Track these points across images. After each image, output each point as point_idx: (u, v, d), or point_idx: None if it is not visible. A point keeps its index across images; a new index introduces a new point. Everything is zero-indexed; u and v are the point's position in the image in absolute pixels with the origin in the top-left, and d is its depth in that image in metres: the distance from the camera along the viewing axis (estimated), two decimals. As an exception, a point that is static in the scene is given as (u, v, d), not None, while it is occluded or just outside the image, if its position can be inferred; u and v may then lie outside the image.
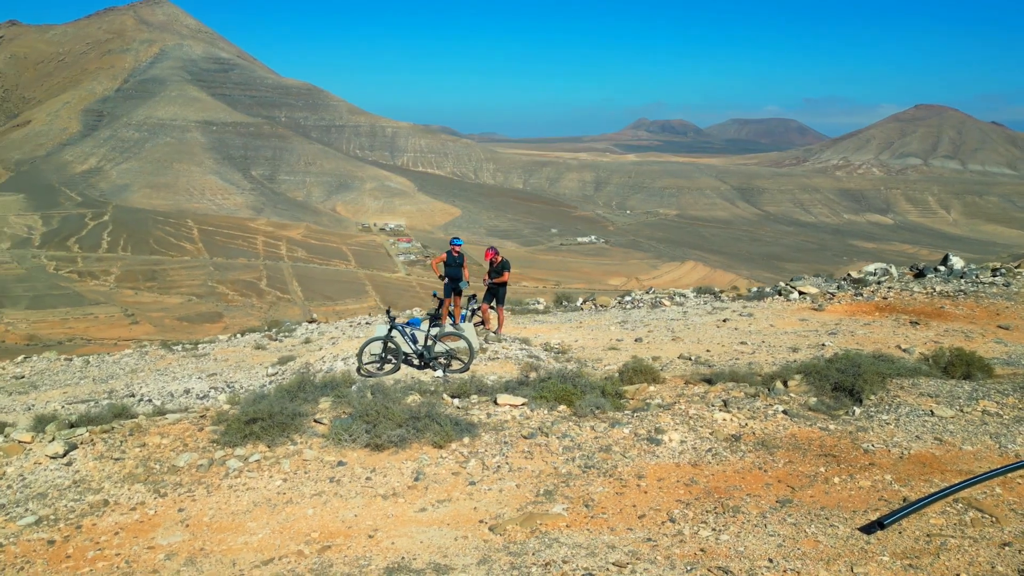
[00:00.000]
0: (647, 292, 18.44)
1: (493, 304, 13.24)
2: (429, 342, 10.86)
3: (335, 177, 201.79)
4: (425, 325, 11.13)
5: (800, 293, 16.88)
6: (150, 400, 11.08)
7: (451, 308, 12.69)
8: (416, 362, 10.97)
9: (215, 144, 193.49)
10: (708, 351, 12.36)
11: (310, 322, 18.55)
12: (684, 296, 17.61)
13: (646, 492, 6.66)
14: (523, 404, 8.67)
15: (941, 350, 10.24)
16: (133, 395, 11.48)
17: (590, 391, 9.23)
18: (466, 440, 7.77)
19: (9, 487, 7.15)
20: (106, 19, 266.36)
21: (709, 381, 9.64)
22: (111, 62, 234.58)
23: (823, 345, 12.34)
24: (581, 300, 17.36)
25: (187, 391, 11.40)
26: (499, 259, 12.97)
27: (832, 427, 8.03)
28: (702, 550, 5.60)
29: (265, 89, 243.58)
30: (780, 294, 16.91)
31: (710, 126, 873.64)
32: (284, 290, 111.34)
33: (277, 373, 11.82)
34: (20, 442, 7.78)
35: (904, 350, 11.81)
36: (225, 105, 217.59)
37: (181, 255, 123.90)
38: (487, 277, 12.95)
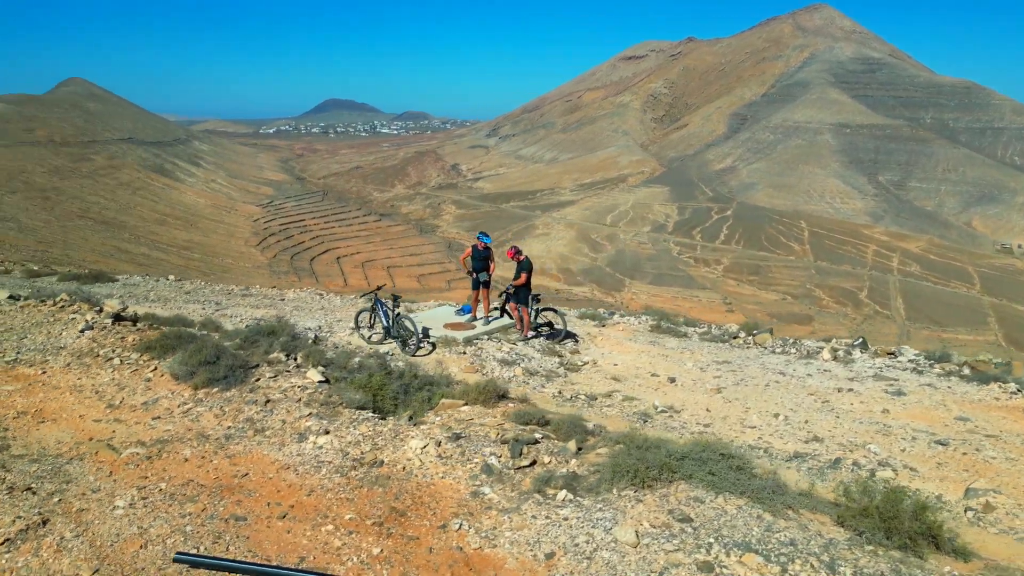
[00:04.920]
0: (856, 343, 13.78)
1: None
2: (396, 321, 11.47)
3: (977, 187, 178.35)
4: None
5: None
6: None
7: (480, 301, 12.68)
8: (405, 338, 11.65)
9: (844, 147, 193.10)
10: (708, 410, 9.63)
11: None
12: (895, 355, 12.76)
13: (198, 466, 6.87)
14: (320, 382, 8.96)
15: (896, 504, 6.34)
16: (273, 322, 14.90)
17: (412, 392, 8.91)
18: (231, 394, 8.71)
19: (44, 339, 11.04)
20: (766, 29, 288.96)
21: (541, 423, 8.10)
22: (763, 69, 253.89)
23: (867, 447, 8.34)
24: (753, 333, 14.20)
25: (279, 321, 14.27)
26: (520, 259, 12.38)
27: (510, 494, 6.41)
28: (81, 510, 5.95)
29: (913, 89, 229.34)
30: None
31: None
32: (884, 305, 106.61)
33: (340, 320, 13.68)
34: (84, 317, 11.71)
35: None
36: (863, 107, 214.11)
37: (787, 254, 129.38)
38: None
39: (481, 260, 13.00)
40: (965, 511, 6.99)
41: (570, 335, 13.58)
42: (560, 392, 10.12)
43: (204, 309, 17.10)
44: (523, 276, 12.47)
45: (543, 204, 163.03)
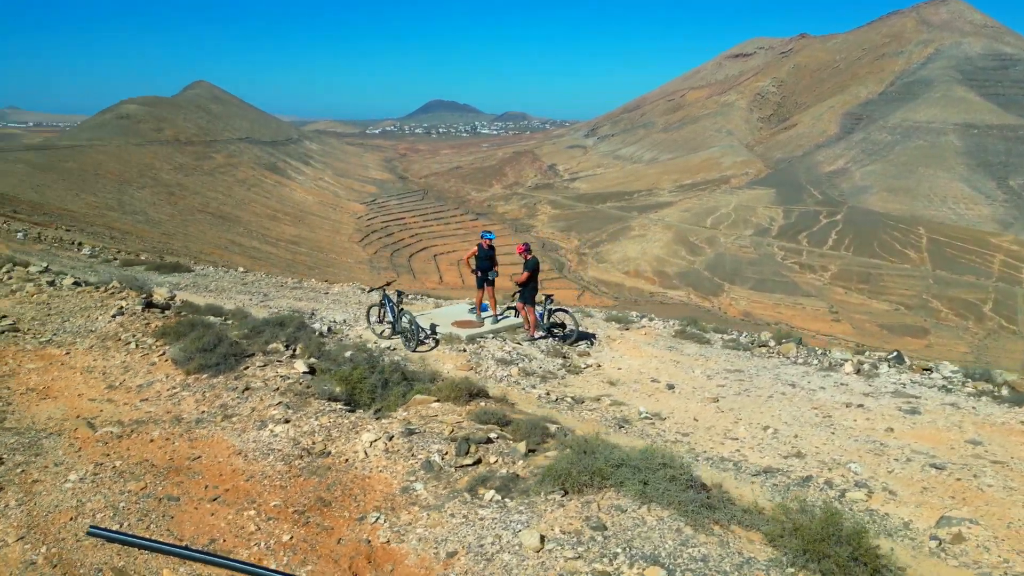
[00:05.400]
0: (889, 356, 12.85)
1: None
2: (399, 316, 11.70)
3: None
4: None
5: None
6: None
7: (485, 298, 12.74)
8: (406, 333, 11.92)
9: (971, 148, 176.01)
10: (696, 420, 9.33)
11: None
12: (931, 371, 11.89)
13: (160, 447, 7.29)
14: (304, 372, 9.27)
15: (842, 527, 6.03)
16: (305, 314, 15.46)
17: (390, 386, 9.11)
18: (217, 380, 9.16)
19: (83, 322, 11.87)
20: (886, 23, 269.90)
21: (500, 423, 8.11)
22: (881, 66, 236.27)
23: (848, 466, 7.89)
24: (782, 342, 13.54)
25: (313, 314, 14.77)
26: (527, 256, 12.36)
27: (441, 491, 6.51)
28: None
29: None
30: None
31: None
32: (1011, 319, 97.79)
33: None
34: (124, 303, 12.53)
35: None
36: (994, 106, 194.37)
37: (901, 262, 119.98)
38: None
39: (487, 259, 13.08)
40: (930, 540, 6.55)
41: (585, 337, 13.44)
42: (548, 393, 10.07)
43: (251, 299, 17.93)
44: (525, 274, 12.47)
45: (640, 205, 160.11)
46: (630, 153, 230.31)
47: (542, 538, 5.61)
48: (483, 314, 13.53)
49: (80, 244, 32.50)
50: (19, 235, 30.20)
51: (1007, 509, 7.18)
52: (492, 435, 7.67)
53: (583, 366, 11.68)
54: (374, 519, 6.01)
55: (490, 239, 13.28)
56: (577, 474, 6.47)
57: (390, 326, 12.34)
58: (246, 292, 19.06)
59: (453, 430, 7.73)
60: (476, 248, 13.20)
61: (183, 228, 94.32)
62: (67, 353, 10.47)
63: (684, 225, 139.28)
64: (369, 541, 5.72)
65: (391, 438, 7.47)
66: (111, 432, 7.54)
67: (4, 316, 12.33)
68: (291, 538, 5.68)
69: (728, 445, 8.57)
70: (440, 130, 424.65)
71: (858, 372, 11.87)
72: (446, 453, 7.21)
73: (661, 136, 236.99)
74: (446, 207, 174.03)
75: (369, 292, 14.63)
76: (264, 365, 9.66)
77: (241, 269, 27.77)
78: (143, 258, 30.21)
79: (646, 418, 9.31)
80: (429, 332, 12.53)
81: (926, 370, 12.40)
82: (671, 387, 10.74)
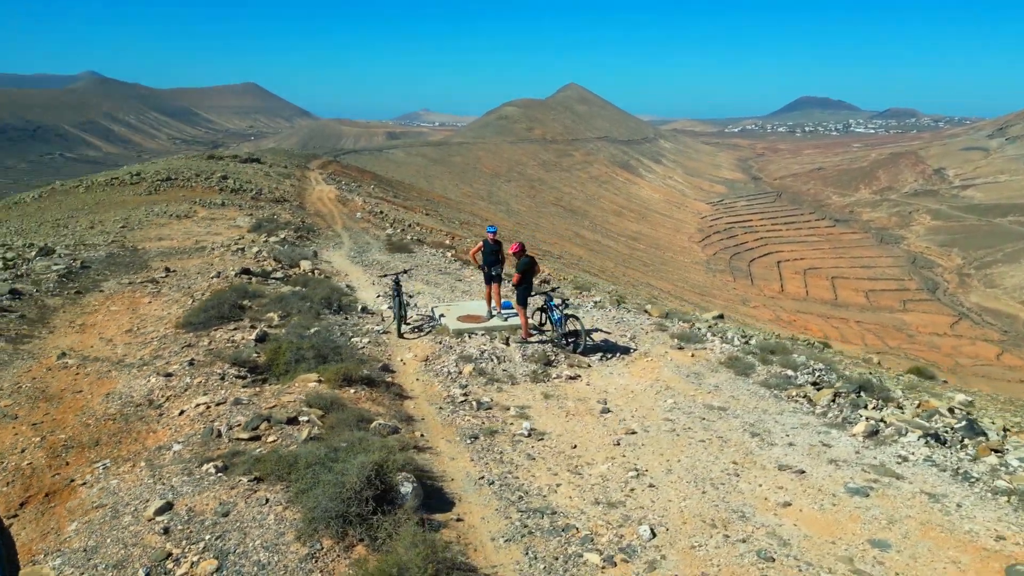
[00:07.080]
0: (959, 423, 9.13)
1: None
2: (398, 302, 12.33)
3: None
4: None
5: None
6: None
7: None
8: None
9: None
10: (574, 447, 8.46)
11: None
12: (1001, 453, 8.47)
13: (73, 379, 9.23)
14: (255, 340, 10.56)
15: None
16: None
17: (302, 362, 9.99)
18: (186, 336, 10.94)
19: (199, 282, 14.72)
20: None
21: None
22: None
23: (640, 530, 6.61)
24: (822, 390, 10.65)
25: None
26: (520, 256, 11.85)
27: (188, 457, 7.43)
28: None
29: None
30: None
31: None
32: None
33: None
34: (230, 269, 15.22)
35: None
36: None
37: None
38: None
39: (492, 254, 12.93)
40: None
41: (606, 348, 12.56)
42: (467, 395, 9.92)
43: (386, 278, 19.81)
44: (516, 275, 12.12)
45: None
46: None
47: (162, 509, 6.11)
48: (494, 310, 13.48)
49: (417, 224, 38.30)
50: (358, 215, 36.71)
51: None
52: (303, 418, 8.15)
53: (554, 376, 11.11)
54: (100, 464, 7.05)
55: (493, 233, 13.23)
56: (274, 464, 6.75)
57: (392, 310, 13.16)
58: (393, 272, 20.95)
59: (276, 406, 8.39)
60: (482, 243, 13.19)
61: (536, 219, 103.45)
62: (149, 302, 13.26)
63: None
64: (72, 481, 6.78)
65: (218, 404, 8.40)
66: (68, 363, 9.70)
67: (171, 269, 15.89)
68: (28, 464, 7.01)
69: (559, 476, 7.72)
70: (806, 128, 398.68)
71: (873, 434, 9.32)
72: (239, 425, 7.93)
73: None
74: (800, 211, 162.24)
75: (382, 277, 15.59)
76: (234, 329, 11.24)
77: (451, 255, 30.36)
78: (403, 240, 34.61)
79: (521, 434, 8.75)
80: (435, 320, 13.06)
81: (996, 451, 9.20)
82: (605, 412, 9.70)
